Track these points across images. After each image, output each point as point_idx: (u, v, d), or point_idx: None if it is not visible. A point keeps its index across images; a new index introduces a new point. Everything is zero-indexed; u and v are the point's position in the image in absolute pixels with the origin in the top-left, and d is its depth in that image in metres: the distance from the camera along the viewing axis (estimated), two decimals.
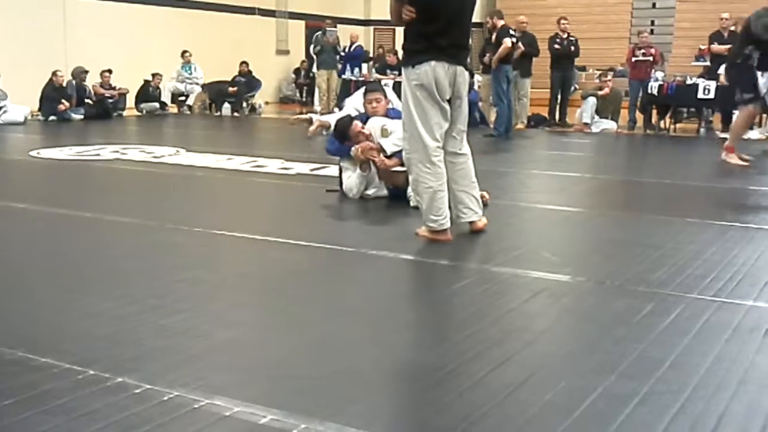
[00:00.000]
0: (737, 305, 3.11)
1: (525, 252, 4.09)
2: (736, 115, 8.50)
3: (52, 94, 12.39)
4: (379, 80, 13.46)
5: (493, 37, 10.92)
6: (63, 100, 12.38)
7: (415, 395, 2.34)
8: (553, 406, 2.19)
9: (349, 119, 5.33)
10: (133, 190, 6.21)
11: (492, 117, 12.80)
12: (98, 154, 7.95)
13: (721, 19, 11.92)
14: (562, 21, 12.51)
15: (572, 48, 12.55)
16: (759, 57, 7.25)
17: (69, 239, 4.34)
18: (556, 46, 12.43)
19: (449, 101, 4.20)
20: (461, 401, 2.21)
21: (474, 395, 2.26)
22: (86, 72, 13.06)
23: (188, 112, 14.91)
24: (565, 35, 12.48)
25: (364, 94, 5.61)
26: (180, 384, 2.25)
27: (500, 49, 10.54)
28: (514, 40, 10.74)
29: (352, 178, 5.34)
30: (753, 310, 3.06)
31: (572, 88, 13.11)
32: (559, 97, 12.73)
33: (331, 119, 5.84)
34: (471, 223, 4.37)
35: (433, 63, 4.09)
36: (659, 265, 3.73)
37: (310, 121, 5.77)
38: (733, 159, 7.43)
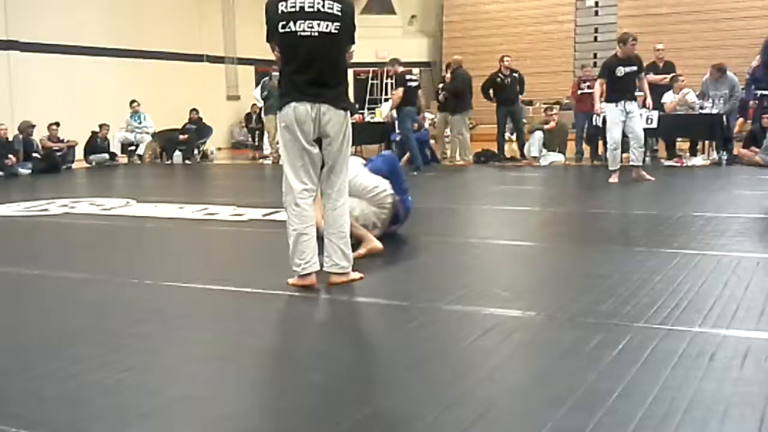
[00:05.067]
0: (683, 332, 3.17)
1: (475, 289, 4.12)
2: None
3: None
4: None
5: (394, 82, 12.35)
6: (9, 155, 12.22)
7: None
8: None
9: None
10: (82, 245, 6.12)
11: (448, 151, 12.99)
12: (46, 209, 7.85)
13: (656, 50, 12.27)
14: (506, 58, 12.73)
15: (516, 85, 12.70)
16: None
17: (14, 298, 4.26)
18: (498, 80, 12.56)
19: (318, 142, 4.09)
20: None
21: None
22: (33, 126, 12.94)
23: (139, 162, 14.82)
24: (508, 72, 12.64)
25: None
26: None
27: (393, 98, 12.08)
28: (414, 84, 12.09)
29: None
30: (698, 336, 3.12)
31: (521, 122, 13.32)
32: (507, 132, 12.92)
33: None
34: (328, 275, 4.14)
35: (293, 104, 4.01)
36: (607, 295, 3.79)
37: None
38: None
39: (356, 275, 4.19)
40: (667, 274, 4.21)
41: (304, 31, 4.00)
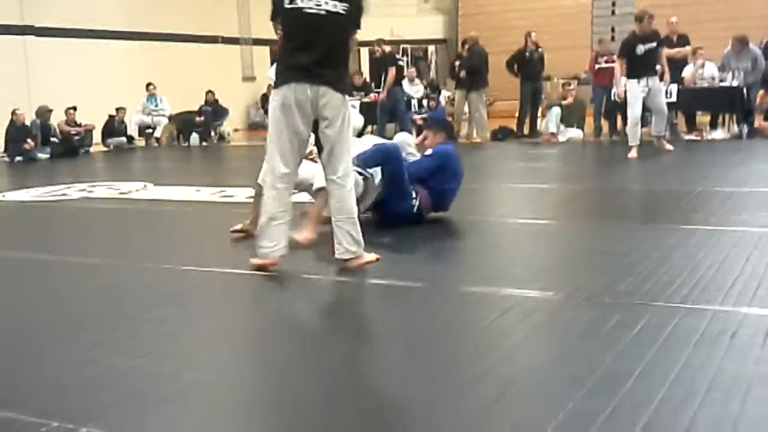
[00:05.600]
0: (703, 311, 3.12)
1: (494, 269, 4.10)
2: None
3: (16, 135, 12.29)
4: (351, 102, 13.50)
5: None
6: (28, 140, 12.28)
7: (392, 415, 2.32)
8: (521, 428, 2.18)
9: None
10: (100, 230, 6.14)
11: (463, 130, 12.91)
12: (65, 194, 7.88)
13: (670, 23, 12.06)
14: (532, 33, 12.64)
15: (541, 60, 12.72)
16: None
17: (31, 284, 4.27)
18: (526, 56, 12.53)
19: (315, 125, 4.00)
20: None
21: (446, 415, 2.25)
22: (50, 111, 12.97)
23: (156, 145, 14.83)
24: (534, 47, 12.61)
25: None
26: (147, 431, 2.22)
27: (389, 79, 12.39)
28: (401, 64, 12.58)
29: None
30: (719, 314, 3.08)
31: (541, 99, 13.26)
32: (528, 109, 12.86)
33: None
34: (344, 261, 4.05)
35: (292, 84, 3.90)
36: (626, 274, 3.75)
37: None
38: None
39: (371, 257, 4.13)
40: (687, 251, 4.16)
41: (311, 8, 3.91)
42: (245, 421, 2.35)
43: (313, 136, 4.06)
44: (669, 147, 9.32)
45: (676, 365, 2.55)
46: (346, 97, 4.04)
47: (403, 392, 2.50)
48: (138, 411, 2.38)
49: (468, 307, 3.46)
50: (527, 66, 12.55)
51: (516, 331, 3.05)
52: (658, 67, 9.33)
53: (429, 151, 5.34)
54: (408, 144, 5.50)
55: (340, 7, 3.95)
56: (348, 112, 4.04)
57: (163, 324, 3.32)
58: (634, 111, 9.17)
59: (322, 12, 3.92)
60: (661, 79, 9.48)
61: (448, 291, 3.69)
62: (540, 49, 12.70)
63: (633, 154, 9.01)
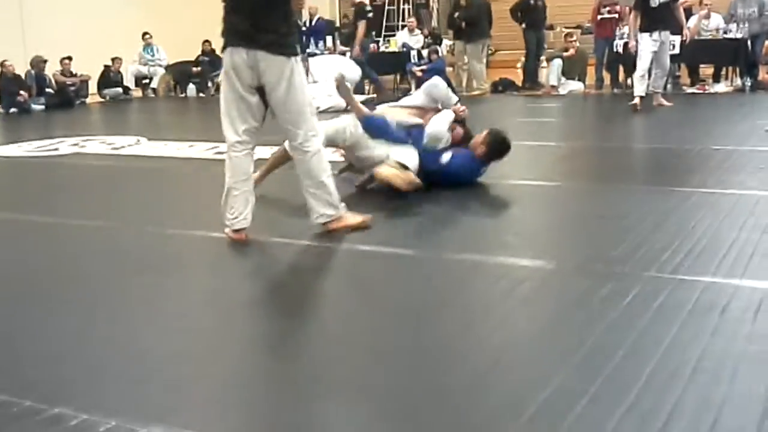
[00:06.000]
0: (695, 282, 3.06)
1: (487, 235, 4.04)
2: None
3: (9, 86, 12.14)
4: (343, 52, 13.32)
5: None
6: (21, 91, 12.13)
7: (380, 388, 2.28)
8: (505, 408, 2.15)
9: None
10: (87, 189, 5.99)
11: (464, 80, 12.72)
12: (57, 149, 7.79)
13: None
14: None
15: (544, 9, 12.58)
16: None
17: (8, 247, 4.19)
18: (531, 3, 12.35)
19: (261, 90, 3.77)
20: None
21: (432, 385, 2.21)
22: (45, 61, 12.81)
23: (153, 96, 14.68)
24: None
25: None
26: (120, 412, 2.17)
27: (358, 33, 12.37)
28: (370, 15, 12.50)
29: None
30: (711, 286, 3.02)
31: (544, 48, 13.09)
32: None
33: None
34: (323, 224, 3.95)
35: (229, 49, 3.72)
36: (619, 240, 3.69)
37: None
38: None
39: (356, 219, 3.99)
40: (683, 216, 4.10)
41: None
42: (217, 404, 2.31)
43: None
44: (666, 103, 9.21)
45: (663, 343, 2.50)
46: (293, 58, 3.74)
47: (394, 362, 2.45)
48: (111, 389, 2.34)
49: (457, 275, 3.41)
50: (532, 14, 12.36)
51: (506, 303, 3.00)
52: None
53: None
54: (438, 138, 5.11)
55: None
56: (297, 75, 3.74)
57: (145, 291, 3.27)
58: (642, 63, 9.01)
59: None
60: (678, 33, 9.34)
61: (438, 259, 3.63)
62: None
63: (636, 103, 8.92)
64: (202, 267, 3.76)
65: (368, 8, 12.33)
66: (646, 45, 8.93)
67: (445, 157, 4.92)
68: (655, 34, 8.88)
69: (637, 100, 8.97)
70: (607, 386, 2.22)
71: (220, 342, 2.76)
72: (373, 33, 13.69)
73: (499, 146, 5.02)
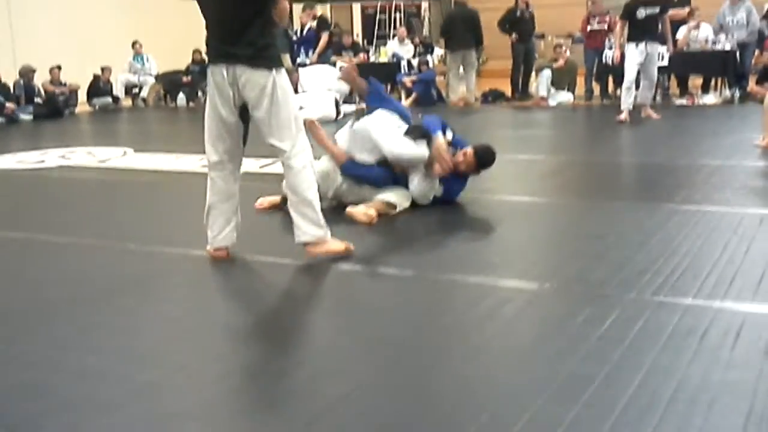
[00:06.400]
0: (675, 305, 3.04)
1: (469, 254, 4.00)
2: None
3: None
4: (334, 62, 13.28)
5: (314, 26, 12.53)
6: (7, 103, 12.05)
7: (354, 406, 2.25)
8: None
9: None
10: (71, 203, 5.92)
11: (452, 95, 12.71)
12: (42, 161, 7.74)
13: None
14: None
15: (532, 20, 12.60)
16: None
17: None
18: (518, 15, 12.38)
19: (244, 108, 3.71)
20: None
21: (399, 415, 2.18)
22: (34, 70, 12.75)
23: (143, 105, 14.63)
24: (525, 6, 12.48)
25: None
26: None
27: (321, 43, 12.33)
28: (332, 29, 12.58)
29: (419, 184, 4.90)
30: (691, 309, 3.00)
31: (534, 58, 13.09)
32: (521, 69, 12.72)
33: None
34: (305, 245, 3.82)
35: (210, 66, 3.67)
36: (602, 259, 3.67)
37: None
38: None
39: (338, 246, 3.86)
40: (667, 234, 4.08)
41: None
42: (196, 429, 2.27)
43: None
44: (654, 116, 9.23)
45: (641, 370, 2.46)
46: (275, 70, 3.63)
47: (370, 382, 2.41)
48: (85, 418, 2.30)
49: (436, 296, 3.38)
50: (518, 26, 12.38)
51: (483, 327, 2.95)
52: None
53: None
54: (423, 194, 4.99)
55: None
56: (279, 89, 3.63)
57: (121, 316, 3.22)
58: (628, 75, 9.07)
59: None
60: (664, 44, 9.37)
61: (420, 278, 3.59)
62: (531, 9, 12.53)
63: (623, 116, 8.94)
64: (180, 288, 3.70)
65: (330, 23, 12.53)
66: (632, 56, 8.96)
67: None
68: (642, 45, 8.91)
69: (624, 114, 8.98)
70: (583, 415, 2.20)
71: (197, 370, 2.71)
72: (365, 41, 13.68)
73: (485, 160, 4.99)
